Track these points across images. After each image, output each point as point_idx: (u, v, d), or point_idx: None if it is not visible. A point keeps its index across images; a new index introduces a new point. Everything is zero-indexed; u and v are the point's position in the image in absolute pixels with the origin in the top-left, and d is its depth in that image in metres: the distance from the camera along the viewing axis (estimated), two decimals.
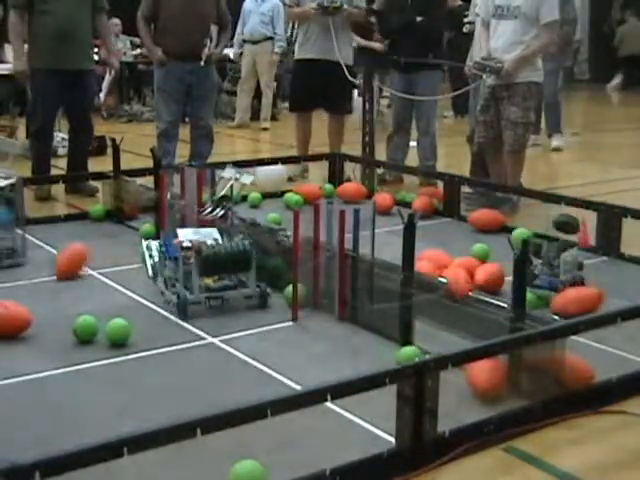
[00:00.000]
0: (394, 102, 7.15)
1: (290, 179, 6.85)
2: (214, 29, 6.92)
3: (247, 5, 10.49)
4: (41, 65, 5.98)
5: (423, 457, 2.55)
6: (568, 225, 4.56)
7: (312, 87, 6.89)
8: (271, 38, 10.49)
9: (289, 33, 11.45)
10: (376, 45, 8.13)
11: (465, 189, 5.97)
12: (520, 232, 4.81)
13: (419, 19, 6.74)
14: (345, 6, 6.72)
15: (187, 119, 7.14)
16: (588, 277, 4.46)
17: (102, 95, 10.69)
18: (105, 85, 10.76)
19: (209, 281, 3.91)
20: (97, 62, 7.21)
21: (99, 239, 5.10)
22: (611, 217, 4.86)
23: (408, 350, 3.27)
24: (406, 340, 3.45)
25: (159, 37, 6.52)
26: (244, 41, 10.59)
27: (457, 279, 3.72)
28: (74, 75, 6.02)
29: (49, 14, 5.90)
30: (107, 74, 8.00)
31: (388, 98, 7.46)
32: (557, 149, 8.91)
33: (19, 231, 4.62)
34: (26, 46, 6.14)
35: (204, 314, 3.84)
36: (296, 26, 11.32)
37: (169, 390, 3.10)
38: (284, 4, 8.07)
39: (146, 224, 5.12)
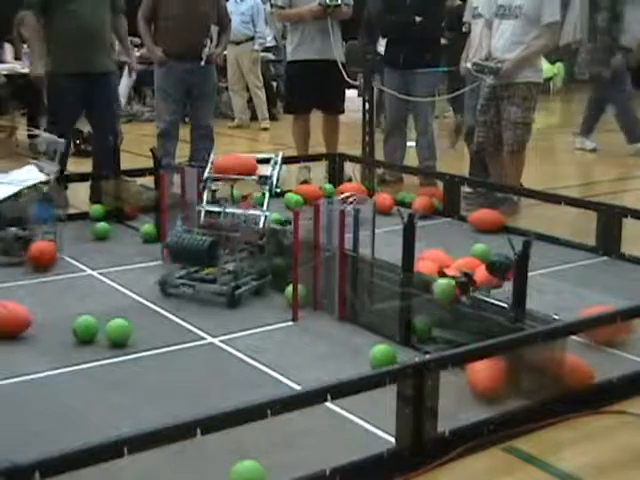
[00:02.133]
0: (389, 102, 7.14)
1: (305, 181, 6.84)
2: (214, 29, 6.92)
3: (229, 7, 10.50)
4: (64, 69, 5.75)
5: (423, 457, 2.55)
6: (502, 267, 3.50)
7: (310, 88, 6.89)
8: (253, 38, 10.52)
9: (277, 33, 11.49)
10: None
11: (465, 189, 5.97)
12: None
13: (418, 19, 6.74)
14: (342, 4, 6.79)
15: (187, 119, 7.13)
16: (588, 277, 4.47)
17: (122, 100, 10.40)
18: (122, 88, 10.49)
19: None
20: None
21: (99, 239, 5.10)
22: (611, 217, 4.86)
23: (382, 348, 3.29)
24: (406, 340, 3.46)
25: (159, 37, 6.51)
26: None
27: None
28: (99, 77, 5.84)
29: (73, 14, 5.69)
30: (124, 77, 7.87)
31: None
32: None
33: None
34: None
35: (203, 312, 3.85)
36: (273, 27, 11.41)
37: (169, 390, 3.10)
38: (273, 5, 8.02)
39: (146, 224, 5.12)
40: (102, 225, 5.19)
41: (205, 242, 4.01)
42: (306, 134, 7.14)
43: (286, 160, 6.71)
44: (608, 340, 3.47)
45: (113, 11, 5.97)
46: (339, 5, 6.70)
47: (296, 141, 7.21)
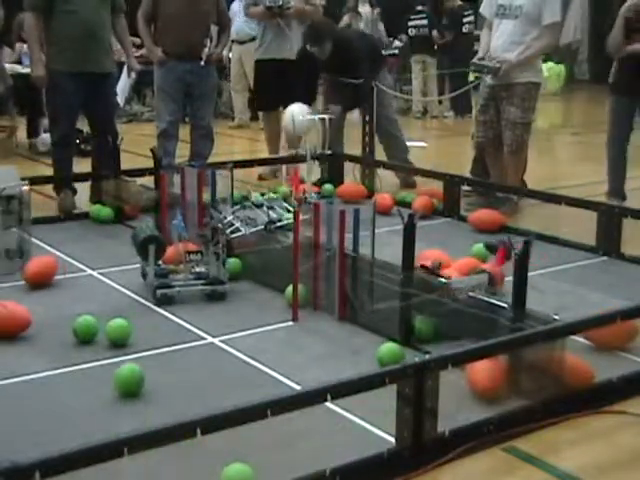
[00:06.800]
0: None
1: (260, 177, 7.05)
2: (214, 29, 6.93)
3: (234, 6, 10.49)
4: (64, 67, 5.71)
5: (423, 457, 2.55)
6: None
7: (272, 86, 7.09)
8: (256, 37, 10.51)
9: None
10: None
11: (465, 187, 5.96)
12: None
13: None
14: (292, 2, 6.98)
15: (187, 119, 7.13)
16: (588, 277, 4.47)
17: (120, 100, 10.31)
18: (122, 88, 10.39)
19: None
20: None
21: (99, 239, 5.10)
22: (611, 217, 4.86)
23: (390, 346, 3.28)
24: (406, 340, 3.46)
25: (159, 37, 6.51)
26: (232, 41, 10.58)
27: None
28: (98, 78, 5.80)
29: (73, 14, 5.65)
30: (125, 76, 7.79)
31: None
32: None
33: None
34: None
35: (203, 312, 3.86)
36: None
37: (169, 390, 3.10)
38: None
39: None
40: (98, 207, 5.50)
41: (139, 237, 4.11)
42: (276, 132, 7.37)
43: (286, 160, 6.80)
44: (613, 345, 3.46)
45: (113, 11, 5.94)
46: (281, 6, 6.95)
47: (267, 138, 7.58)
